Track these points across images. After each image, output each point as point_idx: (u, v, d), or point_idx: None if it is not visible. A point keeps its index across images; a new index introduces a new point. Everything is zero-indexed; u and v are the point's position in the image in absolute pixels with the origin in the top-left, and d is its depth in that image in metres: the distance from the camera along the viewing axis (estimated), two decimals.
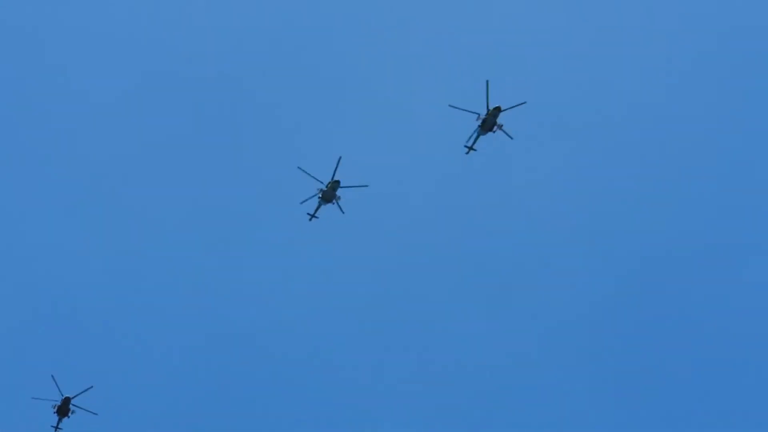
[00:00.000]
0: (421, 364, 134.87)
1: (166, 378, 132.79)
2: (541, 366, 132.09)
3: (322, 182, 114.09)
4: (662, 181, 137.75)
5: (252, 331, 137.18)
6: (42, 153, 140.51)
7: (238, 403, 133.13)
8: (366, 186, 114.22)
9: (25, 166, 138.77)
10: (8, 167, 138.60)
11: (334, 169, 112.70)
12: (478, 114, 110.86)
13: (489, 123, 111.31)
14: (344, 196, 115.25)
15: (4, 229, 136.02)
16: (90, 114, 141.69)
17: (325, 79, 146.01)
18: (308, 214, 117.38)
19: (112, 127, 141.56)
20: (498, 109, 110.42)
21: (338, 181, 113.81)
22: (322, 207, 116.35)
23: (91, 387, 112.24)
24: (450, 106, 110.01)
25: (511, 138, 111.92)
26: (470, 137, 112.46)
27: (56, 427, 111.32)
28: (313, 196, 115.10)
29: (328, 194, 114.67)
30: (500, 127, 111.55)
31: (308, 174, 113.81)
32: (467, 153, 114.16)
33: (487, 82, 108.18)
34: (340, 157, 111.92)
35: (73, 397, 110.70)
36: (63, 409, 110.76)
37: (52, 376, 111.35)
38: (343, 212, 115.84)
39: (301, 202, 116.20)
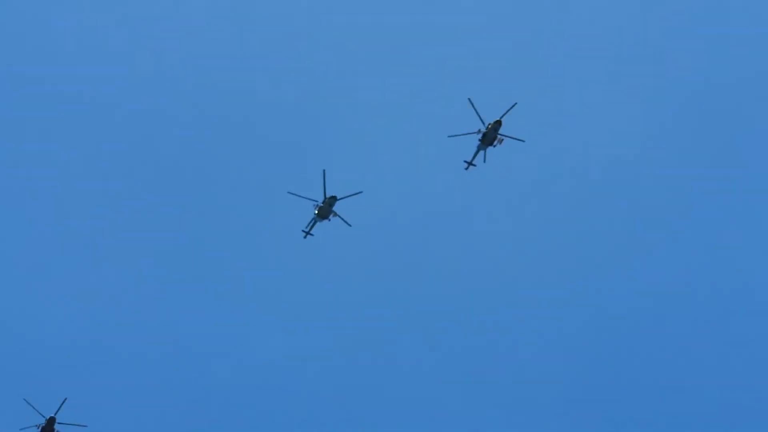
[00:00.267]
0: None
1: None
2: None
3: (315, 200, 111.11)
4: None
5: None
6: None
7: None
8: (360, 192, 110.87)
9: None
10: None
11: (323, 184, 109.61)
12: (479, 128, 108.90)
13: (489, 137, 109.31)
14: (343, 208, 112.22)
15: None
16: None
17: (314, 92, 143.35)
18: (303, 231, 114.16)
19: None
20: (498, 123, 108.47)
21: (335, 197, 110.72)
22: (319, 224, 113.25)
23: (65, 399, 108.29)
24: (450, 136, 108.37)
25: (523, 141, 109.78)
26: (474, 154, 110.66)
27: None
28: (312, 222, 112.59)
29: (325, 210, 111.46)
30: (501, 141, 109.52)
31: (300, 196, 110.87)
32: (467, 168, 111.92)
33: (470, 99, 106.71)
34: (324, 171, 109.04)
35: (55, 413, 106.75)
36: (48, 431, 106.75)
37: (25, 399, 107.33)
38: (350, 224, 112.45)
39: (304, 233, 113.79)
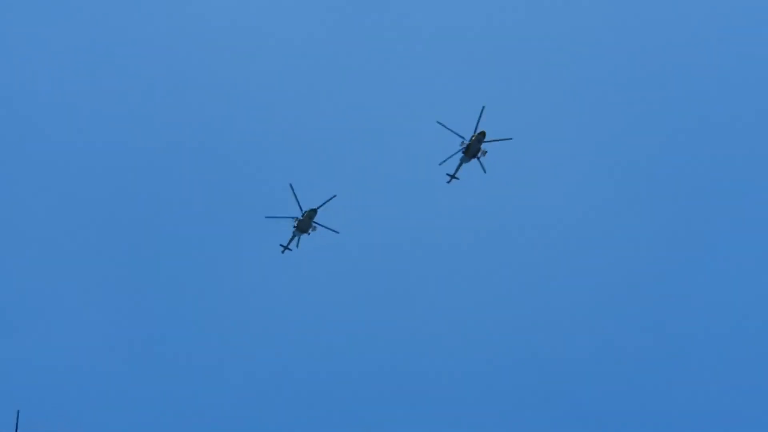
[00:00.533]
0: None
1: None
2: None
3: (292, 218, 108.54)
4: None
5: None
6: None
7: None
8: (334, 196, 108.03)
9: None
10: None
11: (294, 197, 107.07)
12: (463, 139, 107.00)
13: (473, 149, 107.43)
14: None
15: None
16: None
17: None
18: (281, 246, 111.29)
19: None
20: (482, 135, 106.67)
21: (315, 210, 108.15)
22: (297, 238, 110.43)
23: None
24: (438, 122, 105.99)
25: (485, 172, 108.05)
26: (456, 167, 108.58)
27: None
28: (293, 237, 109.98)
29: (304, 224, 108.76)
30: (484, 153, 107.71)
31: (278, 217, 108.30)
32: (449, 182, 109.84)
33: (439, 122, 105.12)
34: (291, 185, 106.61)
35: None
36: None
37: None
38: (337, 232, 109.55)
39: (282, 247, 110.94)
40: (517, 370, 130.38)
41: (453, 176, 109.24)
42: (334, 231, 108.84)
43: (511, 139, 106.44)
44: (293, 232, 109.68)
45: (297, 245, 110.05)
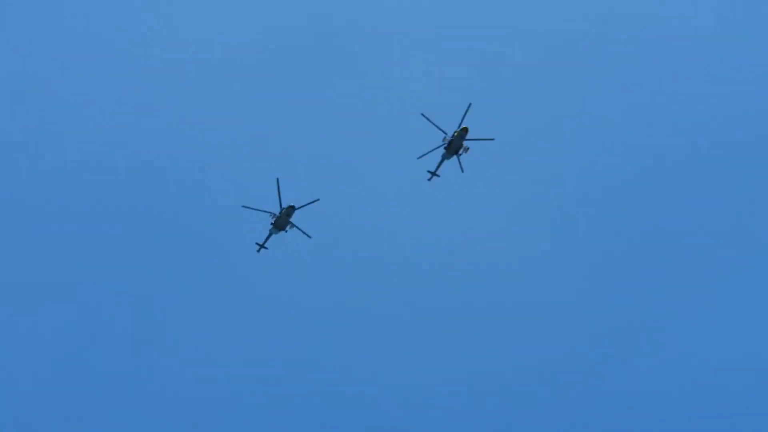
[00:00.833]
0: None
1: None
2: None
3: (269, 213, 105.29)
4: None
5: None
6: None
7: None
8: (317, 200, 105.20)
9: None
10: None
11: (277, 193, 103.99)
12: (445, 134, 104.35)
13: (455, 145, 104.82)
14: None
15: None
16: None
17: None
18: (257, 244, 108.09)
19: None
20: (465, 131, 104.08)
21: (293, 207, 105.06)
22: (274, 236, 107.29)
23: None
24: (422, 115, 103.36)
25: (462, 171, 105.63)
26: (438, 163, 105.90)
27: None
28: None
29: (281, 221, 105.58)
30: (466, 150, 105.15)
31: (255, 209, 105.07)
32: (429, 179, 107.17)
33: (423, 114, 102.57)
34: (277, 179, 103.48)
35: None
36: None
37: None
38: (310, 236, 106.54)
39: (258, 246, 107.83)
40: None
41: (434, 173, 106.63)
42: (306, 235, 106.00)
43: (493, 139, 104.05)
44: (270, 230, 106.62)
45: (264, 246, 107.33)
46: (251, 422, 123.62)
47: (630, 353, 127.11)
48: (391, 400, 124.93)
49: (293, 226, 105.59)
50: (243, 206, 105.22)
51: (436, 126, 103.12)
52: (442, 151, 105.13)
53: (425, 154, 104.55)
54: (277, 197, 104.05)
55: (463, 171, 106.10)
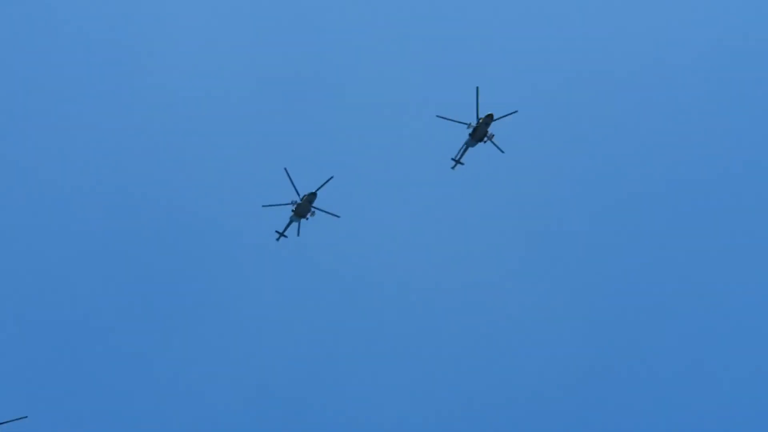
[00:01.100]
0: None
1: None
2: None
3: (290, 203, 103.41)
4: None
5: None
6: None
7: None
8: (332, 177, 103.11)
9: None
10: None
11: (290, 181, 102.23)
12: (469, 123, 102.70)
13: (480, 132, 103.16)
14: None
15: None
16: None
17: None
18: (277, 232, 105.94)
19: None
20: (490, 117, 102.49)
21: (315, 194, 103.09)
22: (294, 224, 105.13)
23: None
24: (438, 116, 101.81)
25: (502, 152, 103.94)
26: (460, 150, 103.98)
27: None
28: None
29: (303, 208, 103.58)
30: (491, 137, 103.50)
31: (276, 205, 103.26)
32: (453, 167, 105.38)
33: (477, 88, 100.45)
34: (285, 169, 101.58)
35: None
36: None
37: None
38: (338, 216, 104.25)
39: (278, 234, 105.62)
40: None
41: (458, 161, 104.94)
42: (334, 215, 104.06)
43: (516, 111, 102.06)
44: (290, 218, 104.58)
45: (297, 233, 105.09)
46: None
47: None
48: None
49: (314, 212, 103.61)
50: (264, 206, 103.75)
51: (455, 121, 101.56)
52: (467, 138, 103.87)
53: (447, 119, 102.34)
54: (292, 186, 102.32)
55: (503, 152, 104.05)
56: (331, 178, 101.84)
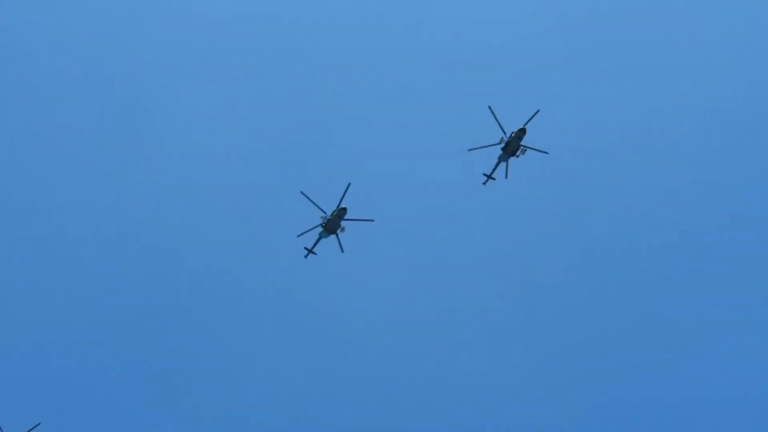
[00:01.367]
0: None
1: None
2: None
3: (325, 212, 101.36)
4: None
5: None
6: None
7: None
8: (372, 221, 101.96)
9: None
10: None
11: (311, 202, 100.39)
12: (502, 137, 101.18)
13: (513, 146, 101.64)
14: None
15: None
16: None
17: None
18: (306, 249, 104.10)
19: None
20: (523, 132, 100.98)
21: (345, 209, 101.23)
22: (323, 240, 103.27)
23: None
24: (469, 150, 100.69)
25: (546, 153, 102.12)
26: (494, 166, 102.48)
27: None
28: (314, 227, 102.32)
29: (333, 223, 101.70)
30: (524, 151, 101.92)
31: (309, 230, 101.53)
32: (485, 183, 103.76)
33: (490, 107, 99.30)
34: (349, 184, 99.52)
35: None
36: None
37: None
38: (343, 251, 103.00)
39: (299, 235, 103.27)
40: None
41: (490, 176, 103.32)
42: (369, 220, 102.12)
43: (539, 111, 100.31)
44: (320, 234, 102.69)
45: (341, 249, 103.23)
46: None
47: None
48: None
49: (344, 229, 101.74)
50: (298, 235, 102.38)
51: (497, 122, 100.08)
52: (499, 151, 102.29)
53: (478, 148, 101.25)
54: (315, 207, 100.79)
55: (507, 178, 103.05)
56: (349, 185, 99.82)
